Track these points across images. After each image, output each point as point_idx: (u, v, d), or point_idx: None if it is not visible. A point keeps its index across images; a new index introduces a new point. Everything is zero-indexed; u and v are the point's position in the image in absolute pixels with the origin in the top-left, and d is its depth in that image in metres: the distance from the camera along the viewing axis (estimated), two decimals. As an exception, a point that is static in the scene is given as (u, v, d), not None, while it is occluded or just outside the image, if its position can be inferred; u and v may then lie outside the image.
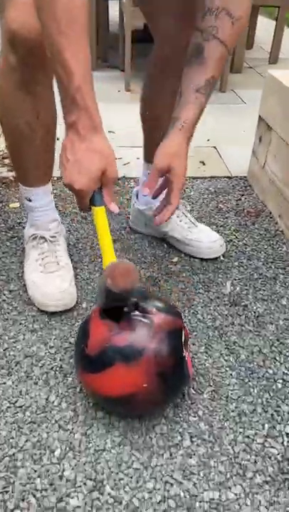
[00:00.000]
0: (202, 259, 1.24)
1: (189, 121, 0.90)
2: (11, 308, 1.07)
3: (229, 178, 1.64)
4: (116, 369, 0.77)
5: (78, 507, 0.71)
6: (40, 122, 1.00)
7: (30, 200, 1.11)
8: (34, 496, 0.73)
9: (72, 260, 1.18)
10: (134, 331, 0.78)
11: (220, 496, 0.73)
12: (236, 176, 1.65)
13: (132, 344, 0.77)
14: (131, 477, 0.75)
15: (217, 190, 1.57)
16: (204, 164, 1.72)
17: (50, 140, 1.07)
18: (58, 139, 1.04)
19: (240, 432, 0.83)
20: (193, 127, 0.92)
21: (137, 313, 0.80)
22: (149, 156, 1.24)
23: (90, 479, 0.75)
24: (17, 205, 1.44)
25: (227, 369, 0.94)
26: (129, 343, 0.77)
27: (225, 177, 1.65)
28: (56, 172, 1.63)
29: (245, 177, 1.64)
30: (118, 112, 2.17)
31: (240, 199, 1.52)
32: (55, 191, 1.48)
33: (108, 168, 0.80)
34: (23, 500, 0.72)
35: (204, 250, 1.24)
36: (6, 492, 0.73)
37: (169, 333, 0.79)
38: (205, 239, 1.24)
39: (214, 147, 1.86)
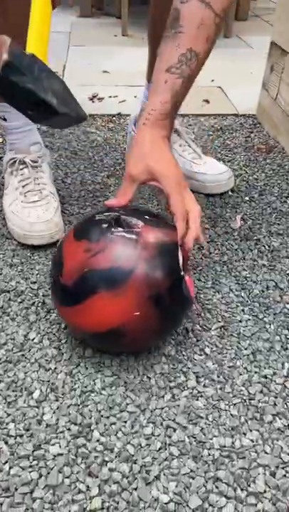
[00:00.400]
0: (208, 195, 1.09)
1: (157, 111, 0.69)
2: (-13, 241, 0.93)
3: (236, 115, 1.48)
4: (99, 298, 0.62)
5: (60, 454, 0.58)
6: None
7: (5, 120, 0.95)
8: (6, 443, 0.59)
9: (59, 195, 1.04)
10: (117, 250, 0.63)
11: (233, 442, 0.60)
12: (244, 114, 1.49)
13: (116, 265, 0.62)
14: (125, 421, 0.62)
15: (223, 127, 1.41)
16: (208, 102, 1.56)
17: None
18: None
19: (256, 372, 0.69)
20: (167, 116, 0.70)
21: (119, 229, 0.65)
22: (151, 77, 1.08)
23: (75, 424, 0.62)
24: (0, 140, 1.29)
25: (238, 305, 0.81)
26: (113, 265, 0.62)
27: (231, 115, 1.49)
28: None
29: (253, 115, 1.48)
30: (114, 54, 2.01)
31: (249, 136, 1.36)
32: (43, 127, 1.33)
33: None
34: (-8, 447, 0.59)
35: (210, 184, 1.09)
36: (-27, 438, 0.60)
37: (160, 249, 0.64)
38: (210, 171, 1.09)
39: (219, 87, 1.69)
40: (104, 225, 0.65)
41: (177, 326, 0.73)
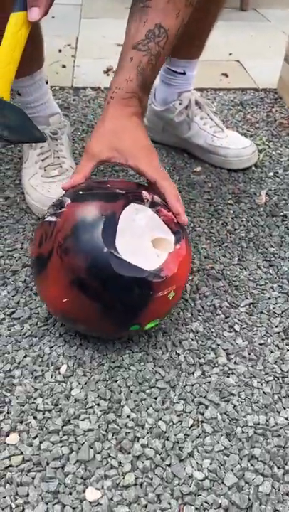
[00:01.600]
0: (230, 170, 1.06)
1: (123, 89, 0.65)
2: (6, 215, 0.90)
3: (256, 90, 1.43)
4: (38, 285, 0.65)
5: (90, 430, 0.57)
6: None
7: (20, 94, 0.92)
8: (35, 418, 0.58)
9: (78, 169, 1.01)
10: (40, 237, 0.62)
11: (267, 420, 0.59)
12: (264, 89, 1.44)
13: (40, 252, 0.61)
14: (155, 398, 0.61)
15: (243, 102, 1.36)
16: (227, 76, 1.50)
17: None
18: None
19: (288, 350, 0.67)
20: (133, 95, 0.66)
21: (48, 213, 0.63)
22: None
23: (105, 399, 0.60)
24: (14, 113, 1.25)
25: (267, 281, 0.78)
26: (39, 251, 0.62)
27: (251, 89, 1.43)
28: (58, 81, 1.46)
29: (274, 89, 1.43)
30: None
31: (270, 111, 1.32)
32: (57, 101, 1.28)
33: None
34: (21, 422, 0.58)
35: (233, 159, 1.05)
36: (1, 413, 0.58)
37: (77, 227, 0.58)
38: (233, 145, 1.05)
39: (237, 61, 1.64)
40: (49, 211, 0.63)
41: (129, 309, 0.60)
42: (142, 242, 0.60)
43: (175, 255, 0.60)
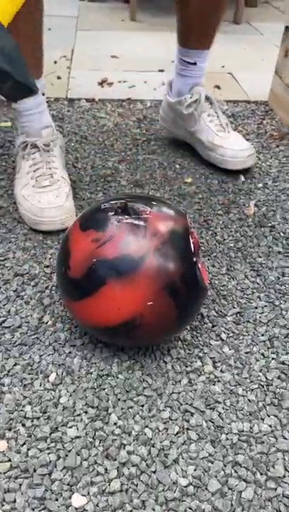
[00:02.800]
0: (221, 181, 1.08)
1: None
2: (-1, 225, 0.92)
3: (248, 102, 1.46)
4: (110, 288, 0.60)
5: (77, 437, 0.58)
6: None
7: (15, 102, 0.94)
8: (23, 425, 0.59)
9: (70, 180, 1.02)
10: (126, 237, 0.60)
11: (251, 427, 0.60)
12: (256, 101, 1.47)
13: (125, 253, 0.60)
14: (142, 405, 0.62)
15: (235, 113, 1.39)
16: (219, 88, 1.53)
17: (33, 28, 0.89)
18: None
19: (273, 358, 0.69)
20: None
21: (126, 217, 0.62)
22: (182, 39, 1.09)
23: (92, 407, 0.61)
24: (9, 124, 1.27)
25: (254, 291, 0.80)
26: (122, 253, 0.60)
27: (243, 101, 1.46)
28: (53, 93, 1.49)
29: (265, 102, 1.46)
30: (122, 39, 1.97)
31: (261, 123, 1.34)
32: (52, 112, 1.31)
33: None
34: (9, 429, 0.59)
35: (228, 159, 1.08)
36: (-11, 420, 0.60)
37: (171, 235, 0.62)
38: (231, 146, 1.08)
39: (230, 73, 1.67)
40: (111, 213, 0.63)
41: (193, 317, 0.70)
42: None
43: (203, 268, 0.69)
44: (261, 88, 1.50)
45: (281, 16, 2.45)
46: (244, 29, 2.25)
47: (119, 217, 0.62)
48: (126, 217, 0.62)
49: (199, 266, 0.65)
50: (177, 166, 1.13)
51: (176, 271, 0.61)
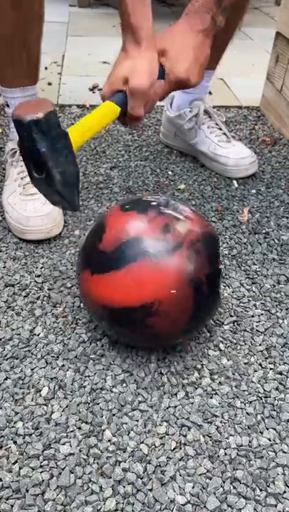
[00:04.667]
0: (214, 188, 1.07)
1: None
2: (-11, 234, 0.90)
3: (239, 107, 1.46)
4: (139, 266, 0.60)
5: (71, 454, 0.56)
6: (15, 12, 0.80)
7: (8, 106, 0.92)
8: (15, 442, 0.57)
9: (62, 187, 1.01)
10: (166, 223, 0.62)
11: (250, 441, 0.58)
12: (248, 106, 1.46)
13: (162, 237, 0.61)
14: (137, 420, 0.60)
15: (227, 119, 1.38)
16: (211, 94, 1.53)
17: (31, 35, 0.87)
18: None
19: (271, 368, 0.67)
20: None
21: (168, 209, 0.64)
22: None
23: (86, 423, 0.59)
24: (-1, 130, 1.25)
25: (250, 299, 0.78)
26: (159, 235, 0.61)
27: (235, 107, 1.46)
28: (55, 100, 1.47)
29: (257, 107, 1.45)
30: (113, 45, 1.95)
31: (253, 128, 1.34)
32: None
33: (131, 76, 0.72)
34: (0, 447, 0.56)
35: (231, 168, 1.09)
36: (-21, 438, 0.57)
37: (205, 236, 0.64)
38: (233, 155, 1.09)
39: (221, 79, 1.67)
40: (154, 203, 0.65)
41: (204, 323, 0.70)
42: None
43: None
44: (253, 93, 1.50)
45: (270, 21, 2.47)
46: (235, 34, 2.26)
47: (161, 207, 0.65)
48: (167, 209, 0.65)
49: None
50: (170, 173, 1.12)
51: (204, 269, 0.63)
